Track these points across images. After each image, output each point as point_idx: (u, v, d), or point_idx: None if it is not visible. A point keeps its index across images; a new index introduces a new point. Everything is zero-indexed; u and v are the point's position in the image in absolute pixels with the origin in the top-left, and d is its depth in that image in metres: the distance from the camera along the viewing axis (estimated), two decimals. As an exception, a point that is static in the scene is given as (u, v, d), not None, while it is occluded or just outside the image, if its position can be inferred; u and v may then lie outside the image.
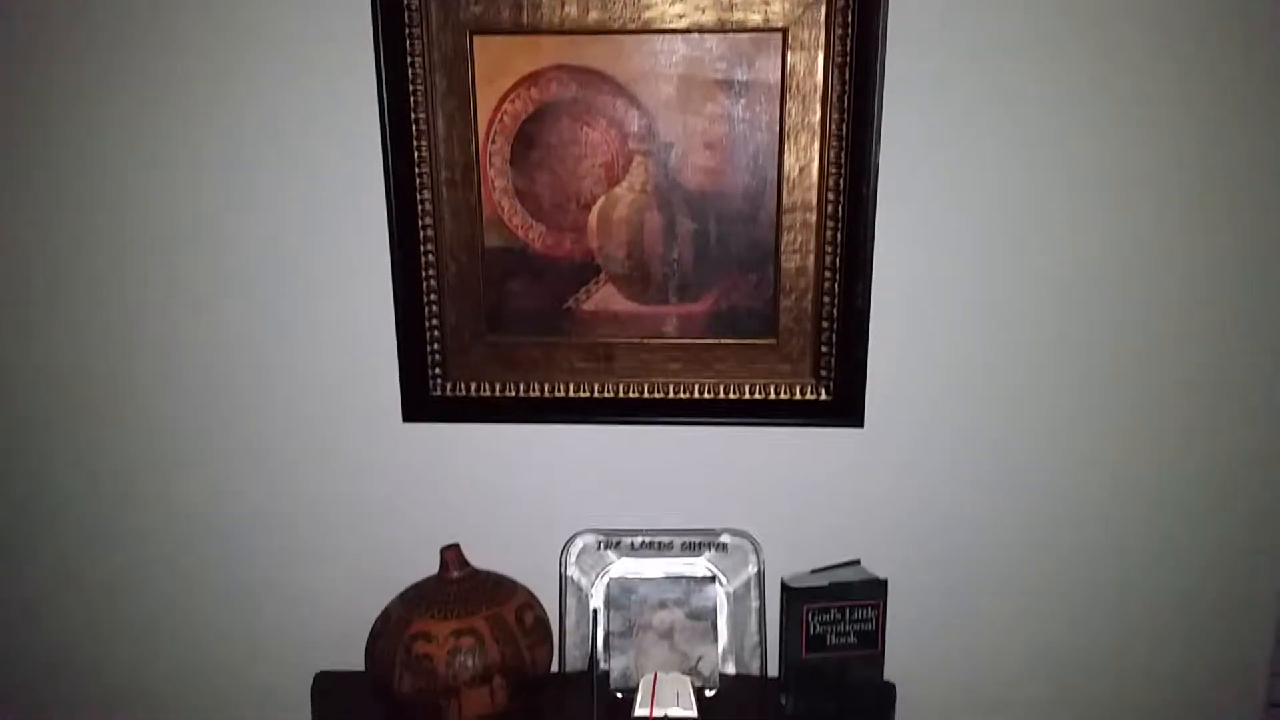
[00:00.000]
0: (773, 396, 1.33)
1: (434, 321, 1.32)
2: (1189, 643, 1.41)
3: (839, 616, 1.29)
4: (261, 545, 1.45)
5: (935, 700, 1.44)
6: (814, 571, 1.34)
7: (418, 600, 1.27)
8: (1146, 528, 1.36)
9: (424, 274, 1.30)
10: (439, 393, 1.35)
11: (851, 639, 1.30)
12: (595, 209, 1.27)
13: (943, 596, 1.40)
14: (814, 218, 1.25)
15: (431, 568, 1.32)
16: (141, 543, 1.46)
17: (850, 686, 1.31)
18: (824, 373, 1.31)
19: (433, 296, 1.31)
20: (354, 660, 1.36)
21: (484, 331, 1.33)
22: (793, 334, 1.30)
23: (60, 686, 1.55)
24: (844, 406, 1.32)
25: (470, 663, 1.20)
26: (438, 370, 1.34)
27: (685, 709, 1.24)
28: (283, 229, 1.31)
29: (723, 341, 1.32)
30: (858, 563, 1.36)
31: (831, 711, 1.31)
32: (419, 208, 1.27)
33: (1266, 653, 1.40)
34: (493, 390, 1.35)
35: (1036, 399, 1.32)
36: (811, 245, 1.26)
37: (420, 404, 1.35)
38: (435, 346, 1.33)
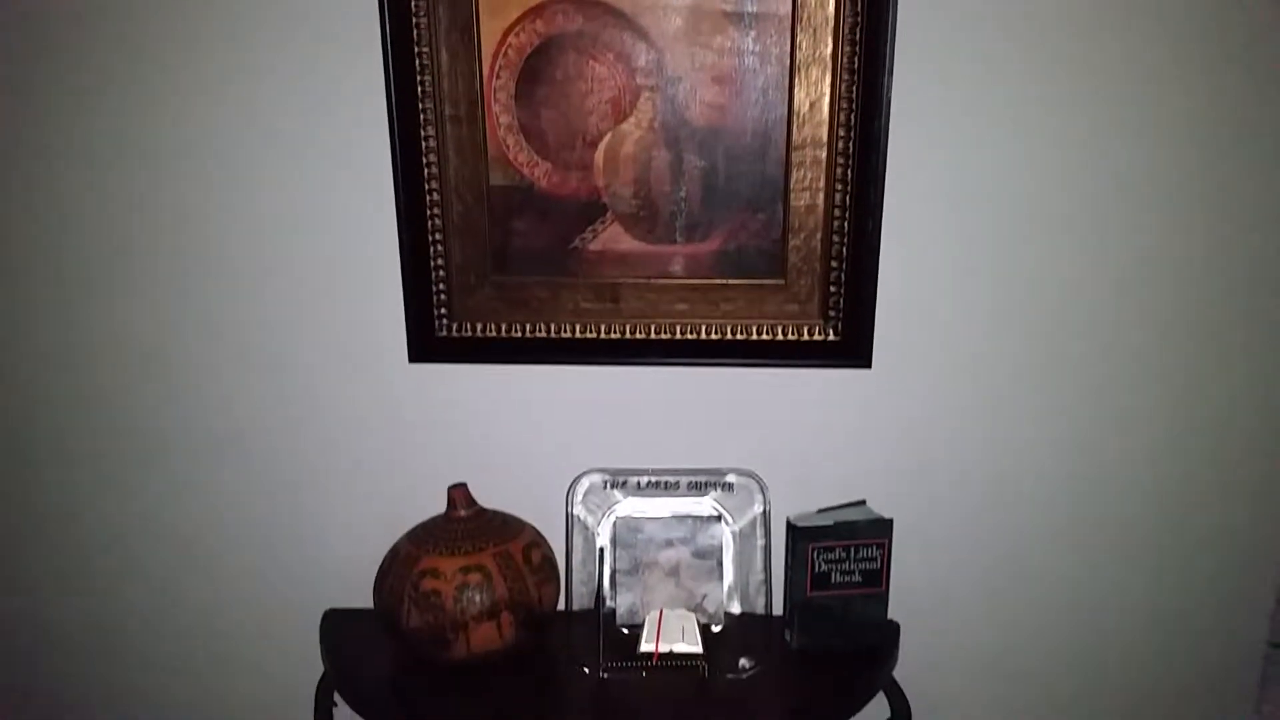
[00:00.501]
0: (780, 337, 1.32)
1: (439, 261, 1.31)
2: (1193, 578, 1.41)
3: (844, 555, 1.30)
4: (269, 486, 1.46)
5: (938, 639, 1.46)
6: (820, 511, 1.34)
7: (425, 538, 1.27)
8: (1154, 467, 1.36)
9: (429, 213, 1.29)
10: (445, 333, 1.35)
11: (856, 578, 1.31)
12: (601, 146, 1.26)
13: (947, 537, 1.41)
14: (824, 154, 1.23)
15: (439, 507, 1.32)
16: (148, 485, 1.47)
17: (854, 624, 1.32)
18: (832, 313, 1.30)
19: (438, 236, 1.30)
20: (362, 599, 1.38)
21: (490, 272, 1.32)
22: (801, 274, 1.29)
23: (65, 626, 1.57)
24: (852, 347, 1.31)
25: (478, 599, 1.21)
26: (443, 311, 1.34)
27: (691, 644, 1.26)
28: (286, 168, 1.30)
29: (730, 282, 1.31)
30: (864, 503, 1.36)
31: (835, 648, 1.32)
32: (423, 145, 1.26)
33: (1269, 591, 1.41)
34: (499, 331, 1.34)
35: (1045, 341, 1.31)
36: (821, 183, 1.25)
37: (426, 345, 1.35)
38: (441, 287, 1.33)
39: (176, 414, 1.43)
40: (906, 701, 1.38)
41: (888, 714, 1.40)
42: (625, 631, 1.31)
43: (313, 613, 1.46)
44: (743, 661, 1.26)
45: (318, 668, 1.41)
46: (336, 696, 1.41)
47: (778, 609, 1.37)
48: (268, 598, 1.53)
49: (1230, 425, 1.34)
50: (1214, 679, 1.46)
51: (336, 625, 1.42)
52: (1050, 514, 1.39)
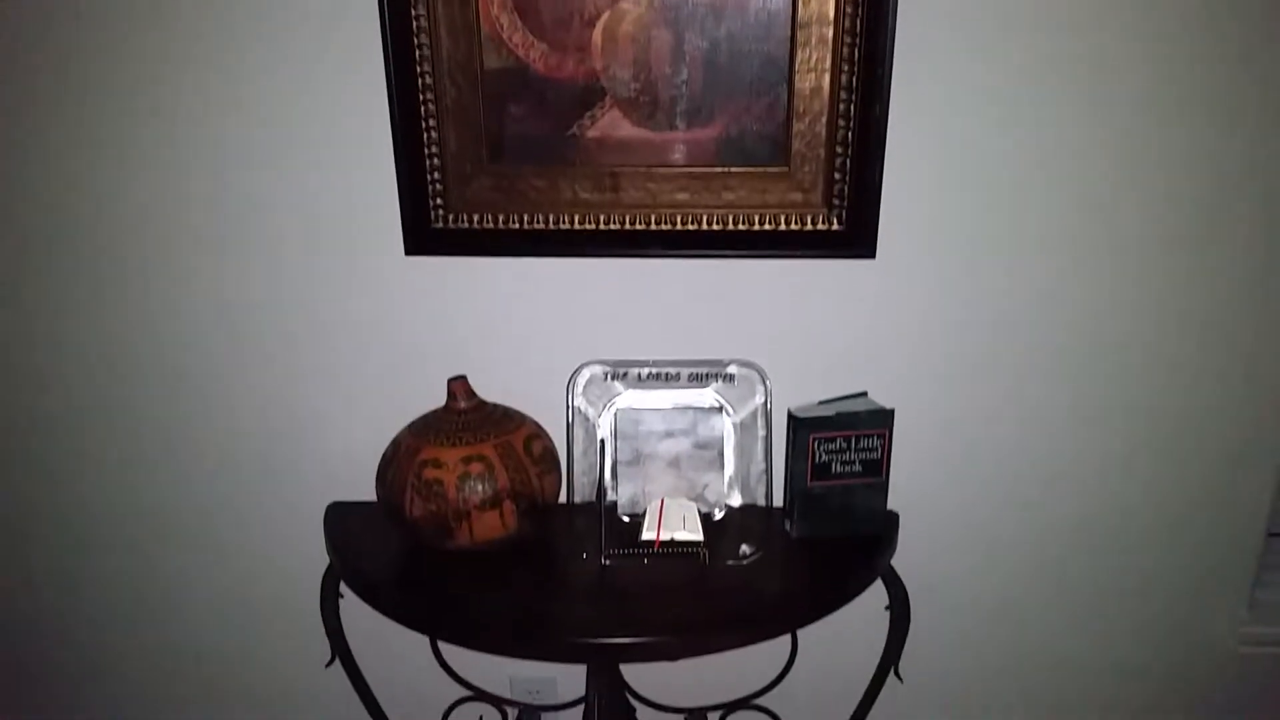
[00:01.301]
0: (783, 227, 1.29)
1: (433, 149, 1.28)
2: (1192, 470, 1.42)
3: (845, 446, 1.30)
4: (270, 382, 1.45)
5: (937, 529, 1.47)
6: (821, 403, 1.34)
7: (427, 430, 1.27)
8: (1157, 351, 1.36)
9: (421, 98, 1.25)
10: (440, 225, 1.32)
11: (857, 468, 1.31)
12: (599, 25, 1.21)
13: (948, 428, 1.41)
14: (830, 32, 1.19)
15: (439, 402, 1.32)
16: (148, 384, 1.47)
17: (854, 514, 1.34)
18: (836, 201, 1.27)
19: (431, 123, 1.26)
20: (365, 493, 1.39)
21: (485, 160, 1.29)
22: (805, 160, 1.26)
23: (66, 518, 1.59)
24: (856, 237, 1.29)
25: (480, 488, 1.22)
26: (439, 201, 1.31)
27: (692, 532, 1.27)
28: (272, 54, 1.25)
29: (732, 170, 1.28)
30: (865, 394, 1.36)
31: (835, 537, 1.33)
32: (413, 24, 1.21)
33: (1269, 479, 1.42)
34: (495, 222, 1.32)
35: (1052, 231, 1.29)
36: (828, 63, 1.20)
37: (422, 237, 1.33)
38: (435, 176, 1.29)
39: (174, 313, 1.42)
40: (905, 589, 1.40)
41: (885, 602, 1.43)
42: (626, 520, 1.33)
43: (317, 507, 1.47)
44: (744, 548, 1.28)
45: (324, 560, 1.43)
46: (343, 587, 1.43)
47: (778, 501, 1.38)
48: (271, 494, 1.54)
49: (1233, 308, 1.32)
50: (1211, 567, 1.48)
51: (340, 518, 1.43)
52: (1052, 403, 1.39)
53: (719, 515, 1.33)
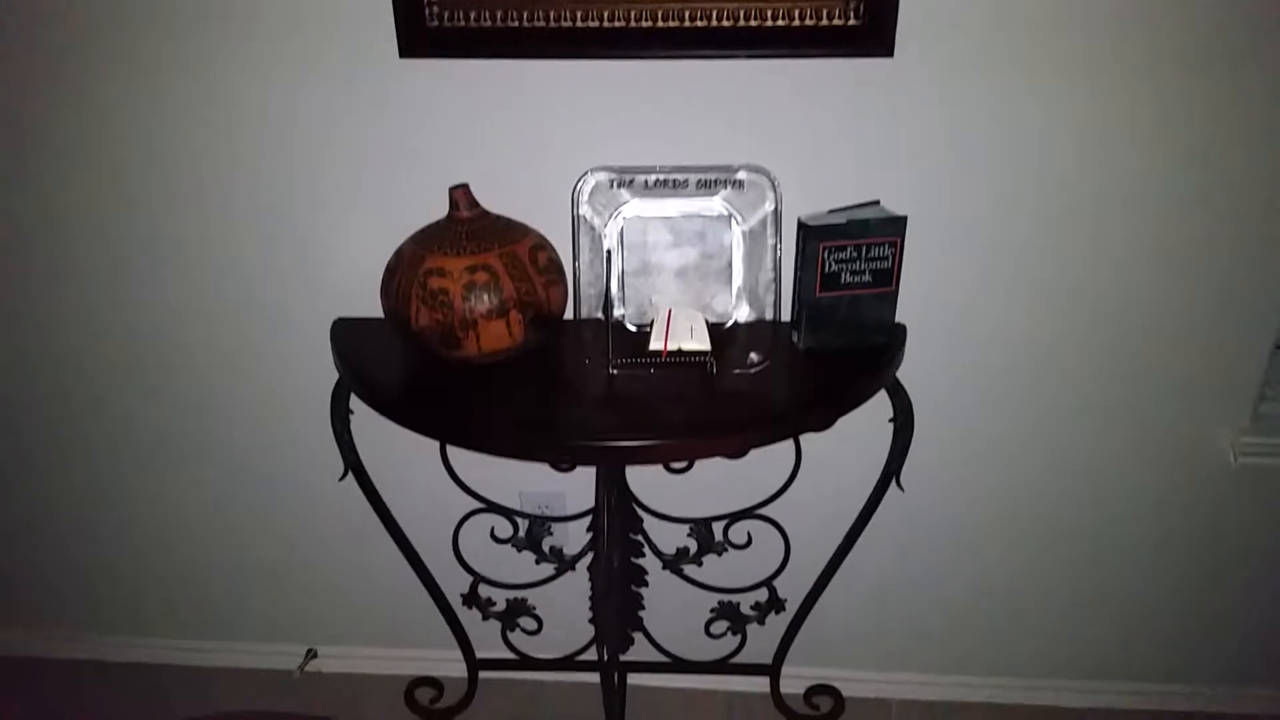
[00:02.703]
0: (796, 22, 1.22)
1: (424, -64, 1.19)
2: (1202, 279, 1.40)
3: (855, 255, 1.28)
4: (268, 198, 1.42)
5: (942, 344, 1.47)
6: (832, 212, 1.31)
7: (430, 239, 1.25)
8: (1176, 158, 1.31)
9: (409, -123, 1.15)
10: (436, 23, 1.25)
11: (866, 278, 1.30)
12: None
13: (960, 237, 1.38)
14: None
15: (440, 215, 1.29)
16: (147, 205, 1.43)
17: (862, 325, 1.33)
18: (854, -8, 1.20)
19: (421, -94, 1.17)
20: (370, 309, 1.37)
21: (481, -51, 1.21)
22: (822, -54, 1.18)
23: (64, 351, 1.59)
24: (873, 33, 1.22)
25: (485, 297, 1.20)
26: (433, -4, 1.23)
27: (699, 342, 1.26)
28: None
29: (744, -42, 1.19)
30: (877, 203, 1.32)
31: (842, 348, 1.33)
32: None
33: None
34: (493, 19, 1.25)
35: (1078, 35, 1.22)
36: None
37: (416, 36, 1.26)
38: (428, -32, 1.22)
39: (168, 132, 1.37)
40: (909, 400, 1.41)
41: (889, 415, 1.44)
42: (634, 331, 1.32)
43: (322, 325, 1.46)
44: (752, 355, 1.27)
45: (331, 378, 1.44)
46: (353, 403, 1.45)
47: (786, 315, 1.37)
48: (277, 313, 1.53)
49: (1252, 118, 1.27)
50: (1218, 376, 1.48)
51: (347, 332, 1.43)
52: (1064, 207, 1.35)
53: (728, 324, 1.32)
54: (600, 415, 1.22)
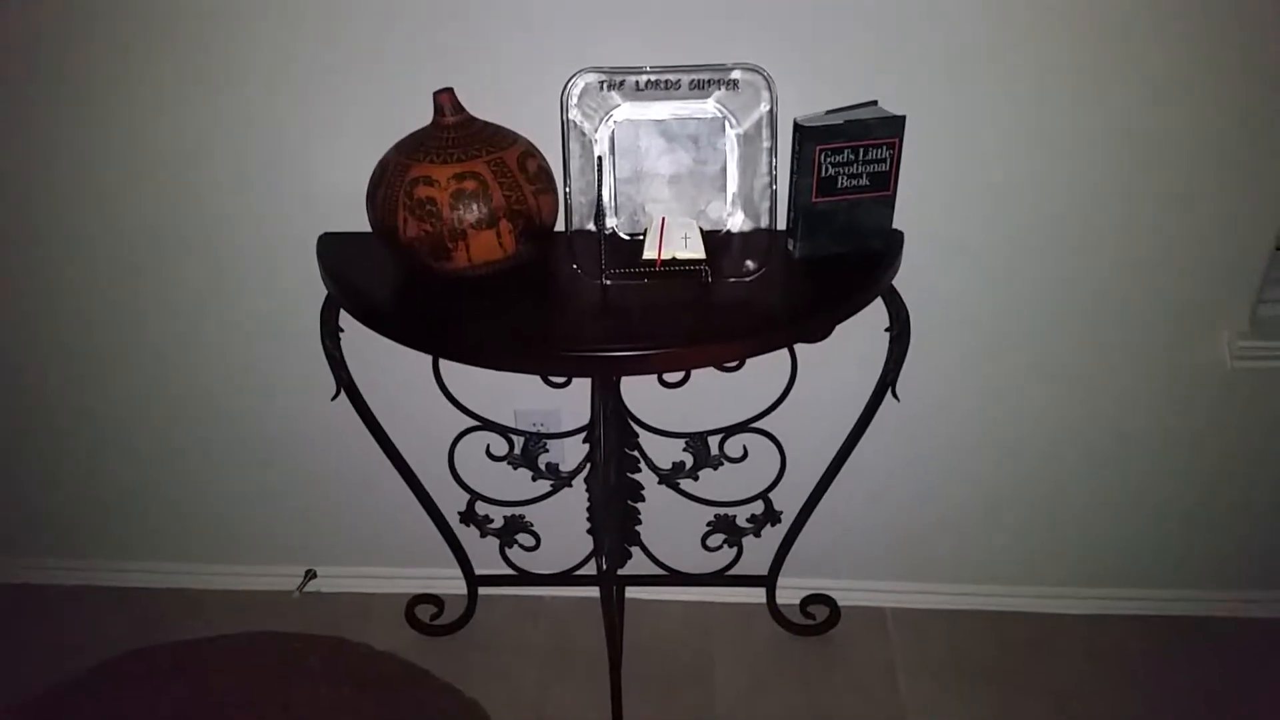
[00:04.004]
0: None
1: None
2: (1204, 179, 1.38)
3: (852, 158, 1.25)
4: (237, 107, 1.37)
5: (939, 250, 1.45)
6: (829, 113, 1.27)
7: (414, 147, 1.21)
8: (1180, 52, 1.27)
9: None
10: (413, -83, 1.19)
11: (864, 181, 1.27)
12: None
13: (956, 142, 1.35)
14: None
15: (421, 124, 1.24)
16: (127, 122, 1.39)
17: (859, 231, 1.30)
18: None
19: None
20: (354, 225, 1.34)
21: None
22: None
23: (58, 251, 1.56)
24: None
25: (475, 207, 1.17)
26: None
27: (694, 251, 1.24)
28: None
29: None
30: (875, 104, 1.29)
31: (838, 256, 1.31)
32: None
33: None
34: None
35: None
36: None
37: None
38: None
39: (137, 46, 1.32)
40: (906, 309, 1.40)
41: (885, 325, 1.42)
42: (626, 238, 1.29)
43: (307, 242, 1.43)
44: (748, 263, 1.25)
45: (319, 295, 1.41)
46: (343, 320, 1.42)
47: (783, 222, 1.34)
48: (260, 230, 1.50)
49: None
50: (1216, 277, 1.47)
51: (333, 247, 1.39)
52: (1059, 103, 1.32)
53: (724, 230, 1.29)
54: (594, 325, 1.20)
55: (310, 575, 1.97)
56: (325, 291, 1.38)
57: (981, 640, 1.84)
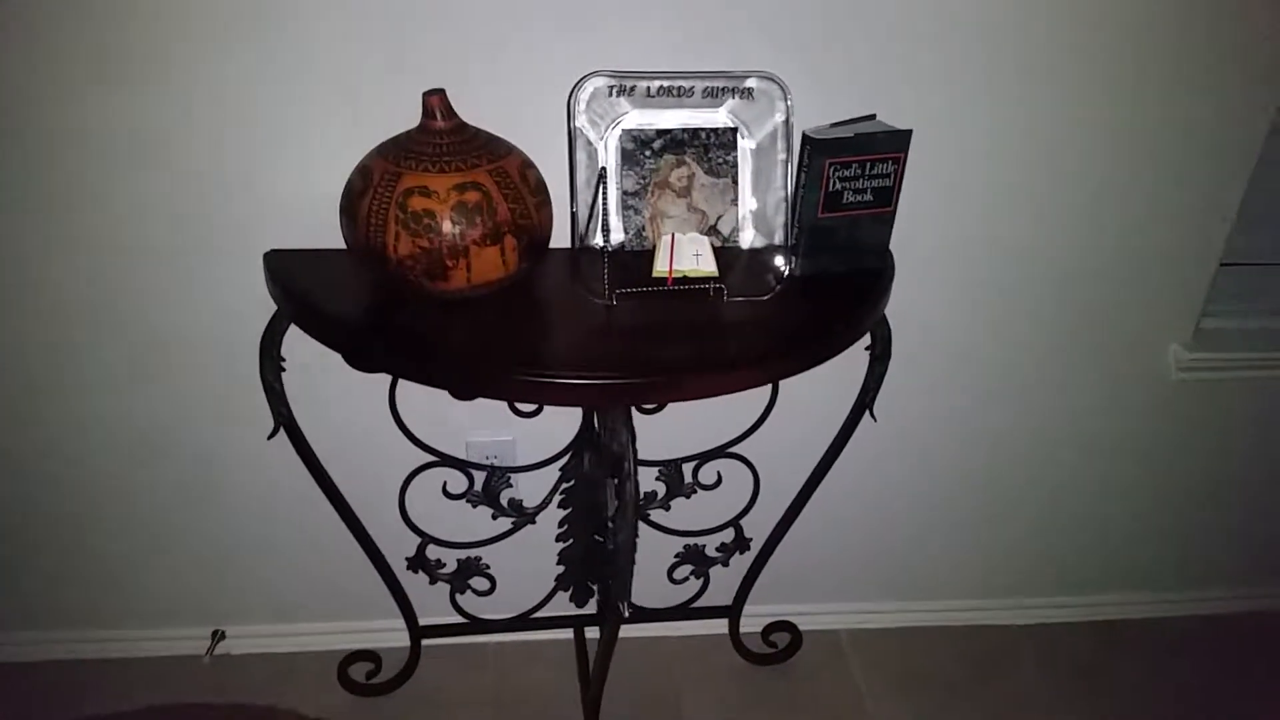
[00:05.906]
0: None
1: None
2: (1153, 197, 1.43)
3: (859, 172, 1.21)
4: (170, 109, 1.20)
5: (932, 262, 1.45)
6: (834, 125, 1.23)
7: (402, 154, 1.08)
8: (1137, 64, 1.32)
9: None
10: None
11: (868, 196, 1.23)
12: None
13: (961, 142, 1.35)
14: None
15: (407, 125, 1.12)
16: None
17: (858, 248, 1.27)
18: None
19: None
20: (303, 242, 1.19)
21: None
22: None
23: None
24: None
25: (479, 220, 1.05)
26: None
27: (705, 267, 1.17)
28: None
29: None
30: (874, 117, 1.26)
31: (838, 273, 1.27)
32: None
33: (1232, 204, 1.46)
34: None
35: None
36: None
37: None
38: None
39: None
40: (889, 329, 1.38)
41: (866, 343, 1.39)
42: (632, 253, 1.21)
43: (249, 258, 1.25)
44: (769, 278, 1.19)
45: (257, 317, 1.24)
46: (283, 350, 1.26)
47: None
48: (200, 246, 1.31)
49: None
50: (1165, 289, 1.53)
51: (284, 265, 1.23)
52: (1041, 109, 1.35)
53: (734, 244, 1.23)
54: (602, 348, 1.10)
55: (219, 636, 1.74)
56: (263, 316, 1.22)
57: (939, 656, 1.85)
